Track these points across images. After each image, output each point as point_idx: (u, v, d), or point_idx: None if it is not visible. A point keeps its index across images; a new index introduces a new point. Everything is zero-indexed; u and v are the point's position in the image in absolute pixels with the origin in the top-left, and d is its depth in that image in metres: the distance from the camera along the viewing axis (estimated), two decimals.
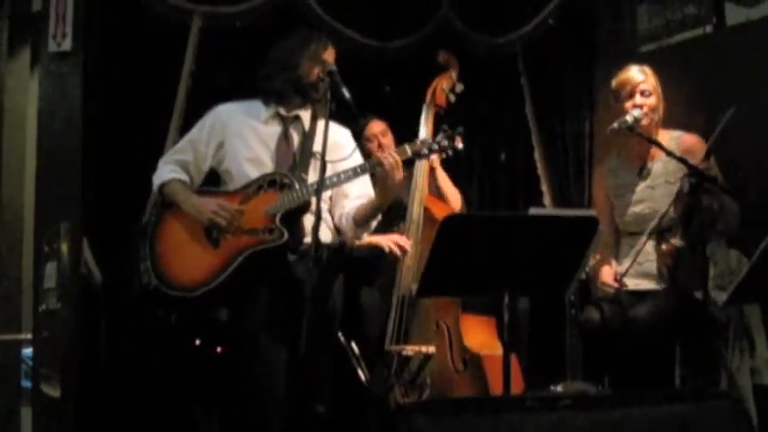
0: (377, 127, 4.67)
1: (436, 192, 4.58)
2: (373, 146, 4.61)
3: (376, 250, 4.22)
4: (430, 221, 4.31)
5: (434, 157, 4.00)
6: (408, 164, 3.68)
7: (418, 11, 4.89)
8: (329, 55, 3.61)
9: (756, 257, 3.12)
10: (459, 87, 4.54)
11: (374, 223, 3.71)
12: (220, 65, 4.66)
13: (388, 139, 4.64)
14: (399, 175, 3.44)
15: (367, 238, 4.21)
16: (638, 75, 3.98)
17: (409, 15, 4.88)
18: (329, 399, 3.60)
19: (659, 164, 3.98)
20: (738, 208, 3.78)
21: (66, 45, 4.25)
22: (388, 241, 4.20)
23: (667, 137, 4.00)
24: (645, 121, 3.90)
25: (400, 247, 4.19)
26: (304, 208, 3.48)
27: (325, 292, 3.56)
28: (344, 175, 3.49)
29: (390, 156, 3.45)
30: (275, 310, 3.47)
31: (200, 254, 3.52)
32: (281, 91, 3.60)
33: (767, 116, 4.25)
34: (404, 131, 4.55)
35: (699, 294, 3.60)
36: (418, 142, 3.56)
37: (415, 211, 4.40)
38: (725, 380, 3.87)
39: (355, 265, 4.45)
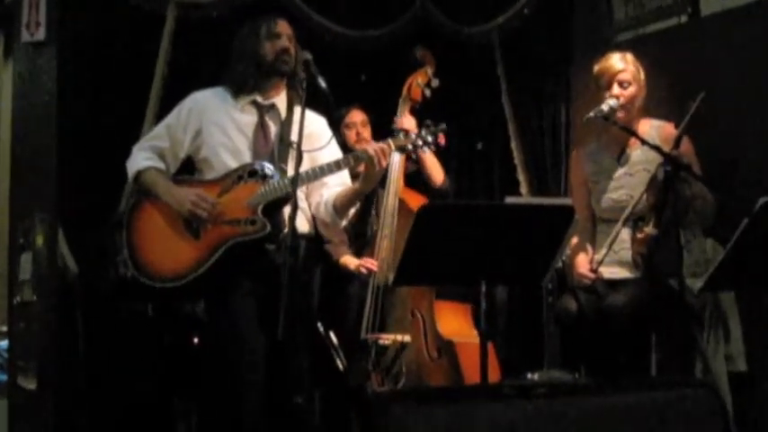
0: (358, 116, 4.66)
1: (422, 167, 4.60)
2: (352, 134, 4.61)
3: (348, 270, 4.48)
4: (405, 212, 4.33)
5: None
6: None
7: (395, 0, 4.88)
8: (282, 27, 3.63)
9: (731, 245, 3.14)
10: (435, 83, 4.60)
11: (353, 210, 3.72)
12: (196, 54, 4.64)
13: (367, 131, 4.64)
14: (384, 162, 3.47)
15: (342, 259, 4.48)
16: (618, 63, 3.96)
17: (386, 5, 4.86)
18: (308, 389, 3.60)
19: (639, 151, 3.99)
20: (713, 196, 3.80)
21: (40, 35, 4.20)
22: (357, 266, 4.43)
23: (648, 125, 4.01)
24: (621, 112, 3.90)
25: (368, 268, 4.39)
26: (285, 199, 3.47)
27: (302, 282, 3.57)
28: (327, 168, 3.50)
29: (376, 146, 3.47)
30: (255, 300, 3.47)
31: (180, 244, 3.51)
32: (248, 80, 3.60)
33: (741, 106, 4.28)
34: (381, 123, 4.56)
35: (674, 282, 3.62)
36: (402, 137, 3.57)
37: (390, 202, 4.43)
38: (700, 367, 3.90)
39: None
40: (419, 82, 4.58)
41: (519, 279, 3.65)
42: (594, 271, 3.90)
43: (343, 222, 3.76)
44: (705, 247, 3.98)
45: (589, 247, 4.06)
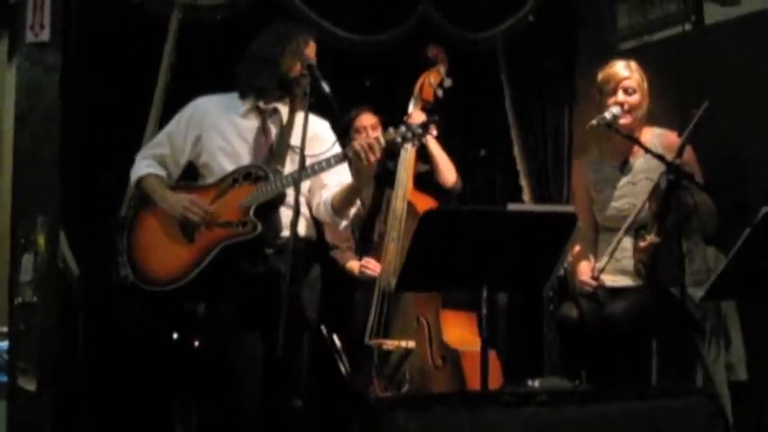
0: (368, 120, 4.60)
1: (434, 167, 4.55)
2: (362, 138, 4.56)
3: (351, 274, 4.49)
4: (413, 215, 4.29)
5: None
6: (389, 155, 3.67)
7: (399, 5, 4.88)
8: (310, 50, 3.61)
9: (733, 255, 3.14)
10: (448, 82, 4.47)
11: (353, 210, 3.70)
12: (200, 57, 4.64)
13: (378, 134, 4.60)
14: (372, 156, 3.41)
15: (348, 265, 4.49)
16: (623, 71, 3.97)
17: (390, 10, 4.86)
18: (309, 392, 3.60)
19: (641, 160, 3.99)
20: (715, 205, 3.80)
21: (45, 36, 4.21)
22: (359, 268, 4.45)
23: (650, 134, 4.01)
24: (625, 119, 3.90)
25: (370, 269, 4.40)
26: (279, 200, 3.49)
27: (303, 286, 3.56)
28: (318, 166, 3.48)
29: (363, 141, 3.45)
30: (253, 303, 3.48)
31: (175, 249, 3.55)
32: (265, 87, 3.59)
33: (744, 114, 4.28)
34: (386, 128, 4.53)
35: (676, 291, 3.62)
36: (391, 131, 3.55)
37: (398, 205, 4.39)
38: (701, 376, 3.90)
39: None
40: (431, 81, 4.47)
41: (521, 286, 3.64)
42: (596, 278, 3.90)
43: (344, 222, 3.74)
44: (707, 255, 3.98)
45: (591, 255, 4.06)
